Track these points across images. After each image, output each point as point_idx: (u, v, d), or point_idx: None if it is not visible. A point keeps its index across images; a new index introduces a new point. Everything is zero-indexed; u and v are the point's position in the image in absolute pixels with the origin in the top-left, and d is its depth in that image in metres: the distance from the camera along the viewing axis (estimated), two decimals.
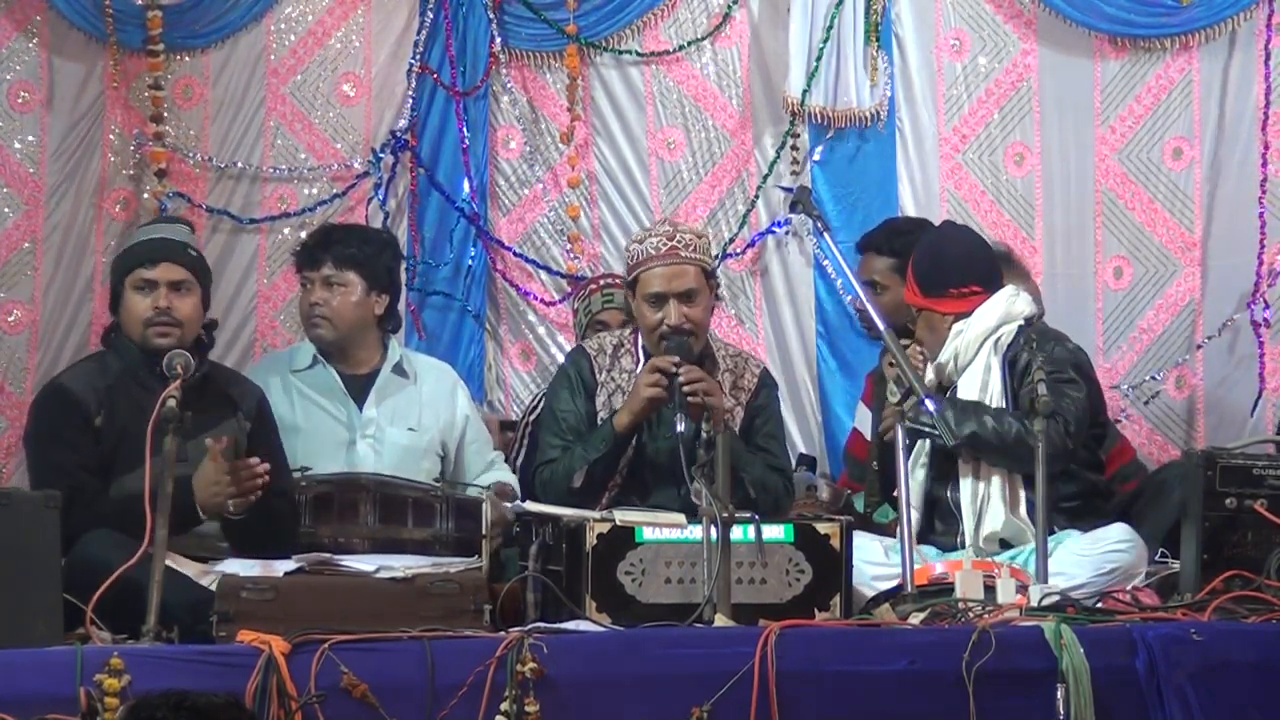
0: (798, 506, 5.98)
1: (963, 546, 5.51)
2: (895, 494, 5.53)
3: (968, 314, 5.66)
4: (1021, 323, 5.66)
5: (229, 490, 5.10)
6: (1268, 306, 6.99)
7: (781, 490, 5.77)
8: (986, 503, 5.51)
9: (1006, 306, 5.68)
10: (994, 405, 5.55)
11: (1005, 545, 5.48)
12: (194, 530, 5.25)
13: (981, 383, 5.59)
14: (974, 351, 5.62)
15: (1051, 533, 5.28)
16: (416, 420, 5.98)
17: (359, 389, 5.98)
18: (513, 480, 5.96)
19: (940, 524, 5.61)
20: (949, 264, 5.75)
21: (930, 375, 5.69)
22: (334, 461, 5.74)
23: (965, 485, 5.56)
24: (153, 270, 5.32)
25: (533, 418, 6.48)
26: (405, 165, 6.84)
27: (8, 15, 6.50)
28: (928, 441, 5.58)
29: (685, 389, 5.49)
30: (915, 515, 5.54)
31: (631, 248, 5.75)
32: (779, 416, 5.91)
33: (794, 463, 6.70)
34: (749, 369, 5.83)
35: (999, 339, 5.62)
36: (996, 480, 5.51)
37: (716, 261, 5.88)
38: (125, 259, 5.44)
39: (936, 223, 6.74)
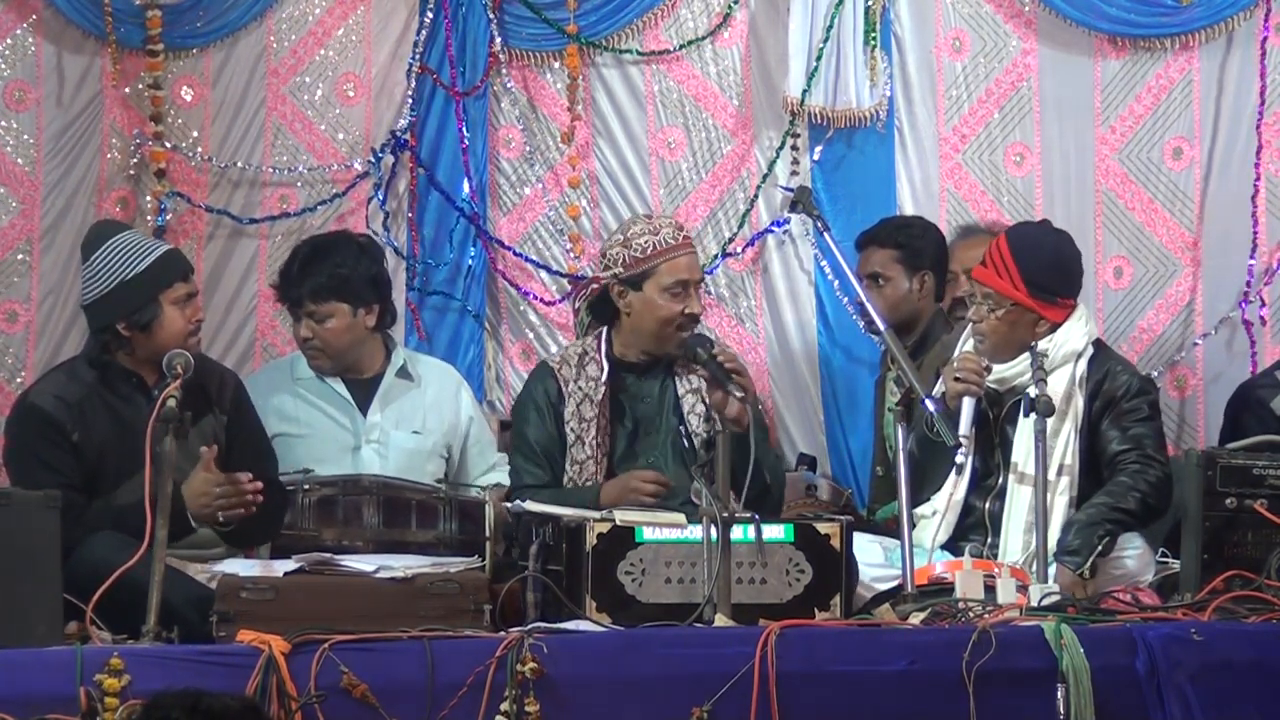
0: (798, 506, 5.98)
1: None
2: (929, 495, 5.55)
3: (1057, 326, 5.54)
4: (1093, 349, 5.60)
5: (219, 503, 5.08)
6: (1264, 305, 6.99)
7: (783, 479, 5.91)
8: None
9: (1087, 329, 5.59)
10: (1067, 430, 5.45)
11: None
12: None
13: (1059, 412, 5.40)
14: (1051, 370, 5.44)
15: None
16: (421, 423, 5.99)
17: (363, 394, 5.99)
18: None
19: (971, 534, 5.50)
20: (1070, 272, 5.61)
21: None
22: (339, 467, 5.74)
23: (1016, 503, 5.44)
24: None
25: None
26: (405, 165, 6.83)
27: (5, 11, 6.49)
28: (969, 453, 5.40)
29: (729, 366, 5.54)
30: (946, 521, 5.52)
31: (640, 240, 5.70)
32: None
33: (794, 463, 6.73)
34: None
35: (1078, 365, 5.52)
36: (1061, 503, 5.43)
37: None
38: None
39: (937, 223, 6.78)
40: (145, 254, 5.33)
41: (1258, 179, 6.99)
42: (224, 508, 5.08)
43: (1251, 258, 6.98)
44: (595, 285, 5.82)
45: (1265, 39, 6.98)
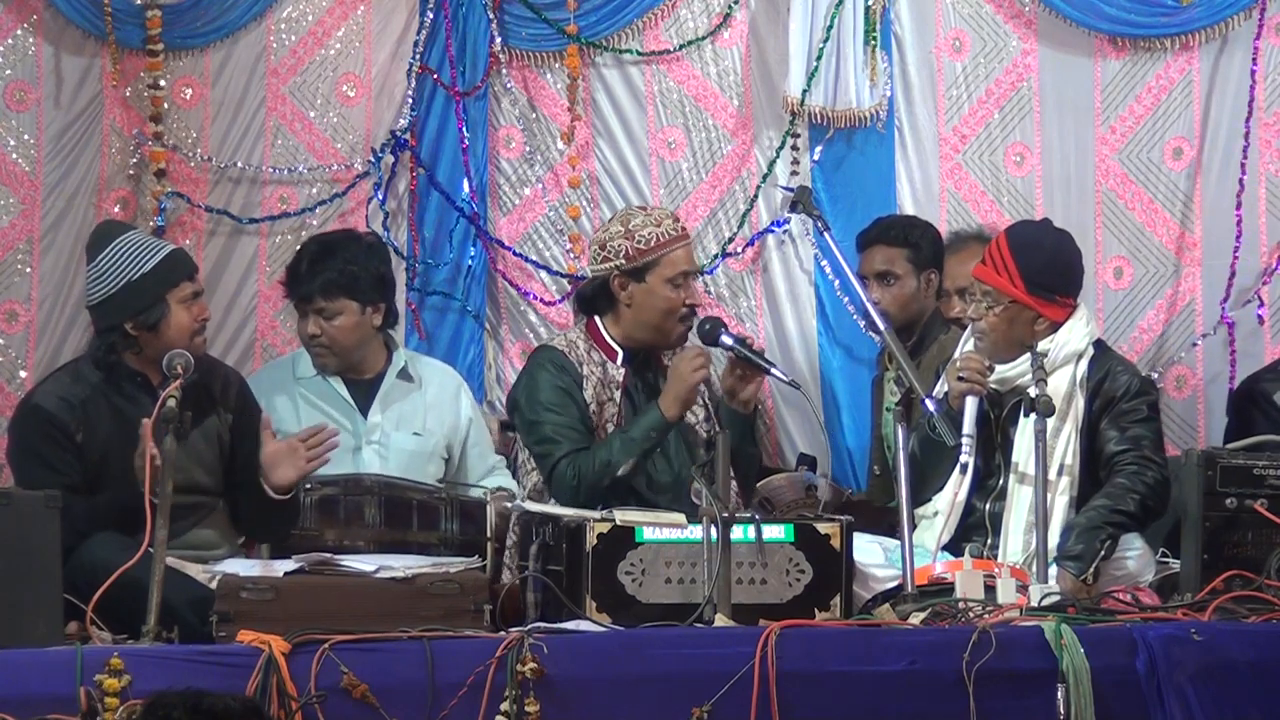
0: (798, 506, 5.98)
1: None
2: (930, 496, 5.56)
3: (1057, 326, 5.54)
4: (1093, 349, 5.60)
5: (303, 465, 5.18)
6: (1263, 304, 7.00)
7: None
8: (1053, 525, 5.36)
9: (1088, 330, 5.59)
10: (1068, 430, 5.45)
11: None
12: (188, 537, 5.26)
13: (1060, 412, 5.41)
14: (1052, 370, 5.45)
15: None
16: (422, 425, 5.99)
17: (364, 395, 5.99)
18: (513, 486, 5.96)
19: (972, 534, 5.49)
20: (1070, 269, 5.61)
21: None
22: (339, 467, 5.74)
23: (1017, 504, 5.43)
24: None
25: None
26: (405, 165, 6.83)
27: (5, 12, 6.48)
28: (971, 451, 5.36)
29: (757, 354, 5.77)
30: (944, 521, 5.51)
31: (643, 231, 5.79)
32: None
33: (795, 462, 6.72)
34: None
35: (1079, 366, 5.52)
36: (1062, 503, 5.43)
37: None
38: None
39: (937, 223, 6.78)
40: (151, 254, 5.35)
41: (1243, 175, 6.99)
42: (305, 467, 5.20)
43: (1235, 256, 6.98)
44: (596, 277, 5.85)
45: (1257, 38, 6.98)
